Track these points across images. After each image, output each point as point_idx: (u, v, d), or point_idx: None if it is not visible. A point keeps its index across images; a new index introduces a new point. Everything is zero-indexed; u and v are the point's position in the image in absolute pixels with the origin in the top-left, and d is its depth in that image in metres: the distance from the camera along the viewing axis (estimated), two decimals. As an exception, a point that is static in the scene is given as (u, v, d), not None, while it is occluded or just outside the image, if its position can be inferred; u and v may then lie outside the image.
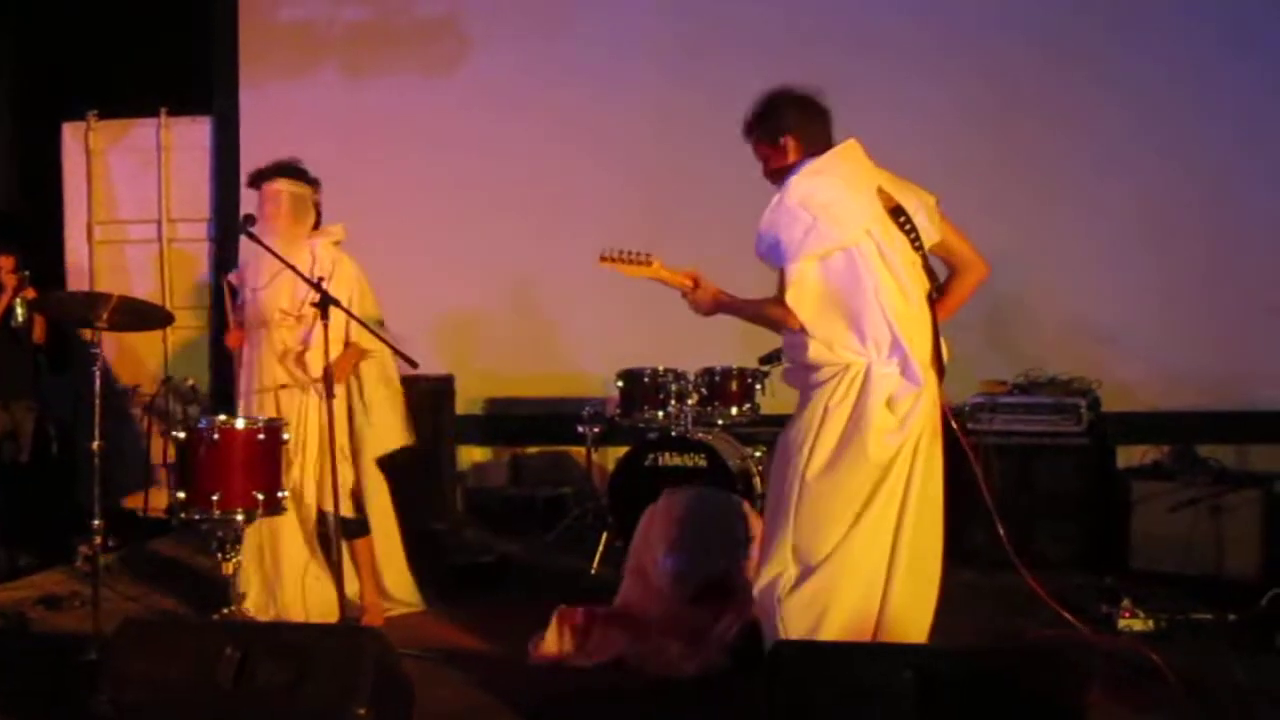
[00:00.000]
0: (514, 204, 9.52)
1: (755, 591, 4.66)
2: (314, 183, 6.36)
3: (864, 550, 4.46)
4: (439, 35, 9.92)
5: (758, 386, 7.88)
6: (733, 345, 8.03)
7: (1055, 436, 7.54)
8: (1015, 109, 8.84)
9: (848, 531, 4.47)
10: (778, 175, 4.71)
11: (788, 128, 4.71)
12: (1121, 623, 6.05)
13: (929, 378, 4.51)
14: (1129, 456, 7.94)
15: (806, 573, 4.50)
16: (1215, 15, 8.75)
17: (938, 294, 4.68)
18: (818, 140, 4.68)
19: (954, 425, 4.78)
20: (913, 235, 4.59)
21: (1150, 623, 6.06)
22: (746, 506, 6.34)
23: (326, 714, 4.11)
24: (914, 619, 4.52)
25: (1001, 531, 4.89)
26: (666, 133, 9.33)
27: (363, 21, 10.09)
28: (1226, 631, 6.07)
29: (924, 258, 4.63)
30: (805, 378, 4.63)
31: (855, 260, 4.46)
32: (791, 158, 4.70)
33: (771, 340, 7.47)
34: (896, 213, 4.58)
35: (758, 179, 4.69)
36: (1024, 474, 7.53)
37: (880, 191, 4.59)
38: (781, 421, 8.33)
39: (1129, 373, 8.43)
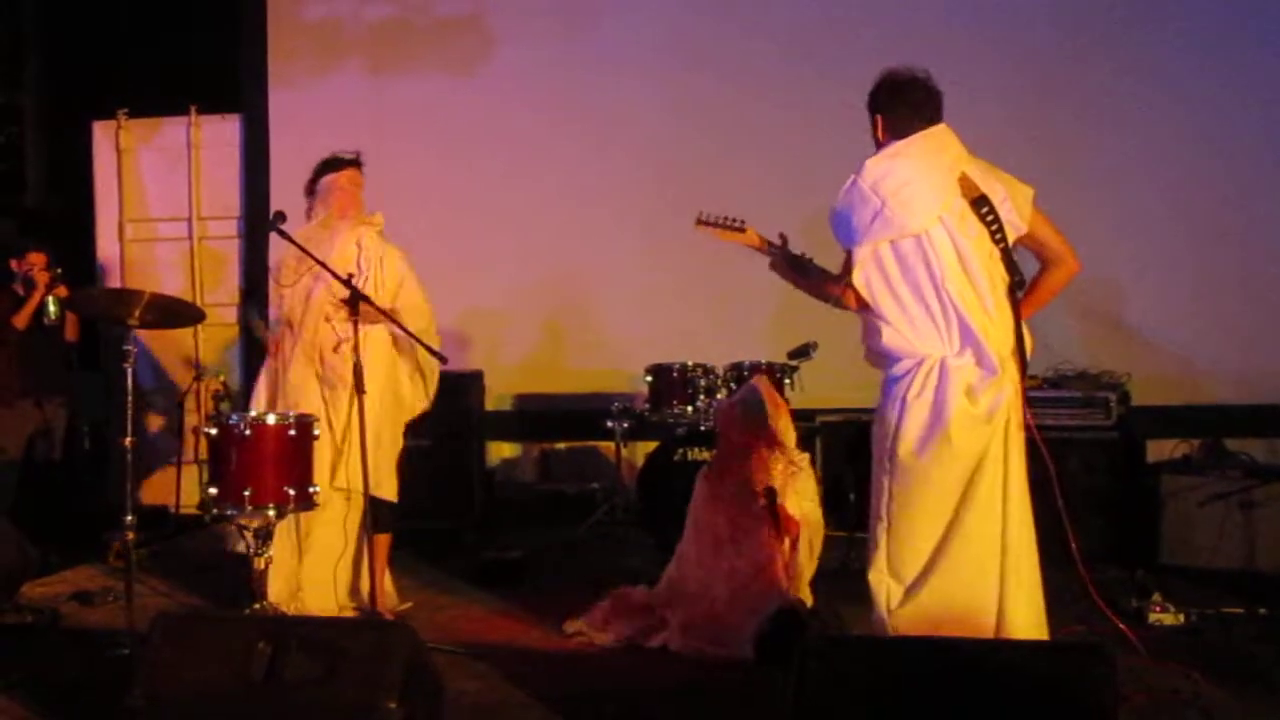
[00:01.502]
0: (541, 199, 9.55)
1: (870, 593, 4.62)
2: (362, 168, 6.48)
3: (968, 555, 4.40)
4: (463, 32, 9.94)
5: (786, 381, 7.86)
6: (761, 340, 8.05)
7: (1085, 430, 7.51)
8: (1048, 101, 8.81)
9: (946, 534, 4.42)
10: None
11: (877, 108, 4.69)
12: (1152, 617, 6.03)
13: (1008, 367, 4.45)
14: (1159, 451, 7.91)
15: (912, 587, 4.45)
16: (1251, 5, 8.70)
17: (1021, 288, 4.61)
18: (905, 125, 4.61)
19: (1030, 420, 4.70)
20: (995, 227, 4.52)
21: (1181, 617, 6.04)
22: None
23: (357, 708, 4.13)
24: (1032, 618, 4.47)
25: (1071, 535, 4.84)
26: (693, 126, 9.33)
27: (387, 19, 10.12)
28: (1258, 626, 6.05)
29: (1005, 250, 4.55)
30: (882, 365, 4.59)
31: (924, 248, 4.42)
32: (880, 137, 4.67)
33: (800, 335, 7.52)
34: (979, 203, 4.51)
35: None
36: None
37: (963, 179, 4.52)
38: (810, 416, 8.45)
39: (1159, 367, 8.41)
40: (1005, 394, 4.45)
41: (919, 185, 4.48)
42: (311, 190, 6.38)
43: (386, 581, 6.43)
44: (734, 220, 5.01)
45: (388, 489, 6.22)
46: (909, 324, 4.47)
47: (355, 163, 6.40)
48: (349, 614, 6.20)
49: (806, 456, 6.36)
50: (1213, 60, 8.67)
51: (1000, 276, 4.54)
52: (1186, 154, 8.69)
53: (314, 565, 6.19)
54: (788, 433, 6.30)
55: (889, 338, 4.50)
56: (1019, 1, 9.04)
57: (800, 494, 6.11)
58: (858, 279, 4.51)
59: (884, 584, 4.51)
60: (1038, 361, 7.79)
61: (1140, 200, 8.70)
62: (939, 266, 4.43)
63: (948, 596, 4.41)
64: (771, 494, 5.99)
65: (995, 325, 4.47)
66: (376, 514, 5.99)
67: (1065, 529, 4.75)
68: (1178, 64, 8.74)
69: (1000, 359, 4.44)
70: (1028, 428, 4.63)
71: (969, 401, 4.41)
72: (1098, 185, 8.68)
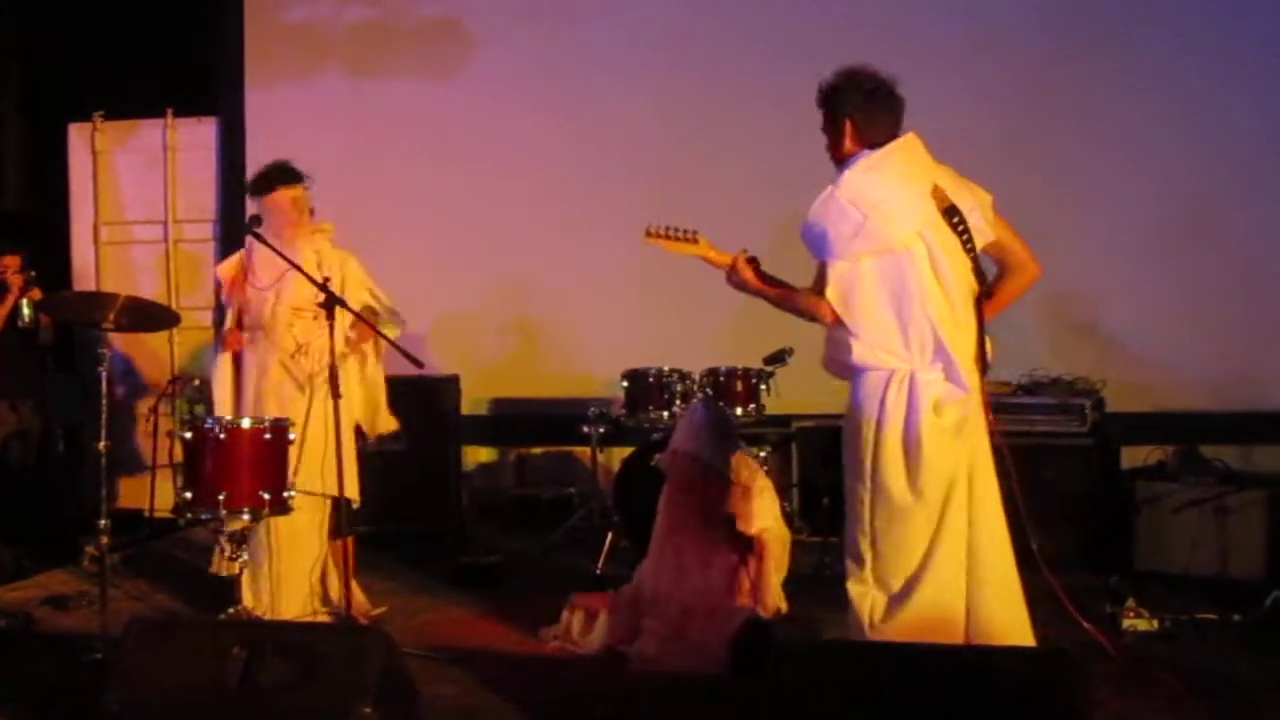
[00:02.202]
0: (520, 203, 9.53)
1: (850, 604, 4.60)
2: (305, 180, 6.36)
3: (949, 568, 4.42)
4: (442, 35, 9.92)
5: (762, 387, 7.86)
6: (737, 346, 8.05)
7: (1060, 437, 7.52)
8: (1036, 101, 8.77)
9: (928, 549, 4.43)
10: (838, 160, 4.64)
11: (847, 111, 4.59)
12: (1126, 623, 6.05)
13: (973, 381, 4.47)
14: (1133, 457, 7.92)
15: (895, 600, 4.46)
16: (1246, 5, 8.72)
17: (988, 297, 4.62)
18: (878, 131, 4.57)
19: (993, 426, 4.72)
20: (965, 237, 4.51)
21: (1155, 623, 6.07)
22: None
23: (332, 713, 4.12)
24: (1011, 622, 4.49)
25: (1033, 543, 4.86)
26: (674, 128, 9.31)
27: (366, 22, 10.09)
28: (1231, 632, 6.08)
29: (975, 259, 4.56)
30: (848, 376, 4.59)
31: (904, 263, 4.41)
32: (848, 145, 4.59)
33: (775, 340, 7.52)
34: (950, 213, 4.49)
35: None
36: (1028, 475, 7.49)
37: (935, 190, 4.50)
38: (786, 421, 8.45)
39: (1134, 373, 8.42)
40: (971, 408, 4.49)
41: (900, 199, 4.46)
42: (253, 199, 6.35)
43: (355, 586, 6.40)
44: (685, 231, 4.91)
45: (354, 489, 6.25)
46: (881, 339, 4.46)
47: (292, 179, 6.30)
48: (323, 619, 6.19)
49: (761, 474, 6.35)
50: (1209, 63, 8.65)
51: (970, 286, 4.55)
52: (1163, 161, 8.69)
53: (288, 570, 6.18)
54: (739, 460, 6.31)
55: (859, 353, 4.48)
56: (1011, 2, 9.03)
57: (760, 514, 6.10)
58: (832, 293, 4.48)
59: (869, 596, 4.51)
60: (1013, 367, 7.86)
61: (1115, 206, 8.71)
62: (918, 282, 4.42)
63: (930, 608, 4.42)
64: (731, 522, 6.00)
65: (963, 336, 4.49)
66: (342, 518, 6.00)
67: (1027, 534, 4.76)
68: (1161, 73, 8.72)
69: (967, 373, 4.46)
70: (991, 434, 4.66)
71: (936, 415, 4.43)
72: (1074, 191, 8.69)
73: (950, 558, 4.44)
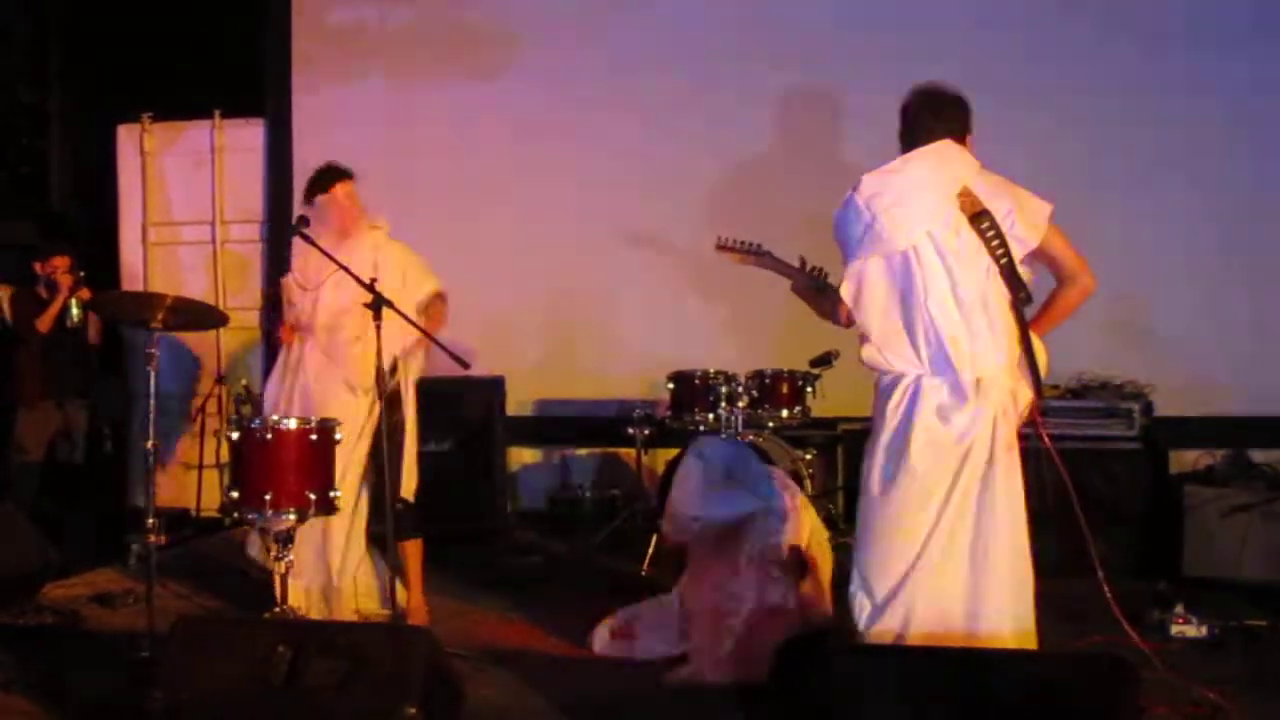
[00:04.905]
0: (565, 205, 9.54)
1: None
2: (353, 175, 6.41)
3: (937, 577, 4.39)
4: (485, 39, 9.92)
5: (808, 389, 7.85)
6: (783, 348, 8.03)
7: (1107, 441, 7.48)
8: (1079, 99, 8.74)
9: (918, 555, 4.40)
10: None
11: (903, 123, 4.69)
12: (1174, 629, 6.01)
13: (991, 390, 4.42)
14: (1182, 462, 7.87)
15: (878, 608, 4.46)
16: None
17: (1027, 303, 4.57)
18: (915, 139, 4.62)
19: (1044, 435, 4.71)
20: (996, 242, 4.47)
21: (1203, 629, 6.02)
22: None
23: (377, 713, 4.13)
24: (1015, 630, 4.43)
25: (1091, 547, 4.83)
26: (720, 130, 9.28)
27: (410, 25, 10.10)
28: (1280, 638, 6.02)
29: (1008, 266, 4.50)
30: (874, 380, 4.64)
31: (911, 264, 4.42)
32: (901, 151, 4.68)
33: (822, 343, 7.50)
34: (980, 218, 4.48)
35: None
36: (1076, 479, 7.45)
37: (965, 194, 4.49)
38: (832, 425, 8.41)
39: (1183, 377, 8.35)
40: (983, 416, 4.42)
41: (911, 202, 4.47)
42: (308, 204, 6.37)
43: (416, 588, 6.43)
44: (753, 244, 5.09)
45: (410, 488, 6.31)
46: (889, 340, 4.50)
47: (346, 175, 6.36)
48: (371, 619, 6.21)
49: (797, 491, 6.26)
50: (1250, 71, 8.57)
51: (999, 293, 4.51)
52: (1214, 161, 8.61)
53: (335, 569, 6.19)
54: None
55: (868, 354, 4.56)
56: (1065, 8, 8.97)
57: (799, 532, 6.01)
58: (845, 292, 4.55)
59: (857, 599, 4.55)
60: (1061, 371, 7.79)
61: (1166, 208, 8.63)
62: (923, 284, 4.43)
63: (913, 618, 4.41)
64: (767, 548, 5.92)
65: (983, 344, 4.45)
66: (402, 519, 6.01)
67: (1086, 541, 4.73)
68: (1213, 71, 8.64)
69: (984, 381, 4.42)
70: (1040, 438, 4.64)
71: (939, 421, 4.42)
72: (1124, 194, 8.63)
73: (937, 566, 4.40)
